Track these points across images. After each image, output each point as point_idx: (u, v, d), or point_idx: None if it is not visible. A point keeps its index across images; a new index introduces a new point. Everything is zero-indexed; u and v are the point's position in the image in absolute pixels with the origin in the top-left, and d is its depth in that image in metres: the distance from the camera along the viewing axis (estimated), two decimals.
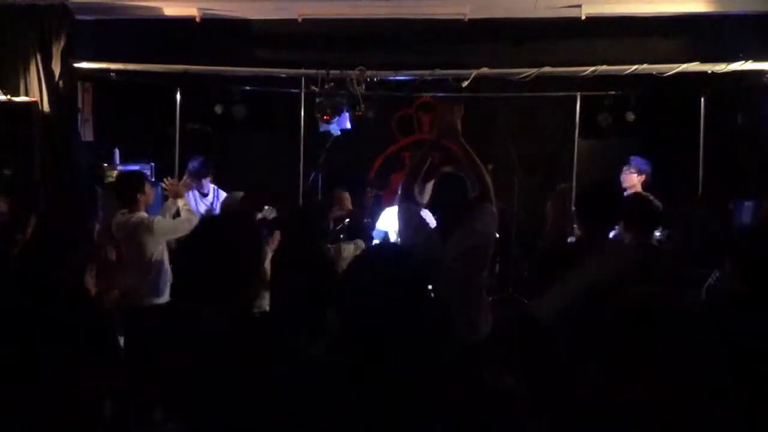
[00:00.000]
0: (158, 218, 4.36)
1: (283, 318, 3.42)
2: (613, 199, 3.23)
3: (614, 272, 2.83)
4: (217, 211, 5.56)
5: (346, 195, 4.47)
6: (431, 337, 1.70)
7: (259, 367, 1.82)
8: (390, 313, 1.65)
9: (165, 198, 4.82)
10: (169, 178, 4.78)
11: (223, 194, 5.78)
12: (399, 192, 3.74)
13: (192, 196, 5.51)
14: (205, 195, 5.70)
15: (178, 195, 4.62)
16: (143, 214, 4.30)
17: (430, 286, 1.98)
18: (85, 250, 2.61)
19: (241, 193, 4.75)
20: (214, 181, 5.83)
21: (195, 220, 4.55)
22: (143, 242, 4.26)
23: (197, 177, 5.58)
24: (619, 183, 5.47)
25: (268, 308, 3.75)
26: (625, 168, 5.56)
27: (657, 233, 4.15)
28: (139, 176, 4.62)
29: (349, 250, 3.54)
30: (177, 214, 4.62)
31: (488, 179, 3.47)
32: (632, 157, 5.67)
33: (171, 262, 4.38)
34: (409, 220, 3.49)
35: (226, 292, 1.95)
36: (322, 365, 1.77)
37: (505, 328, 3.75)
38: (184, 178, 4.83)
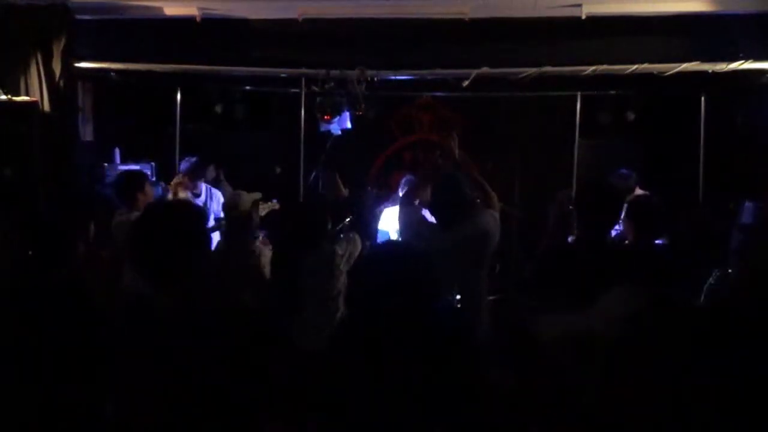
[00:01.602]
0: None
1: (282, 315, 3.42)
2: (612, 199, 3.22)
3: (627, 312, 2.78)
4: (212, 211, 5.58)
5: (335, 176, 4.50)
6: (440, 336, 1.70)
7: (251, 361, 1.82)
8: (399, 310, 1.64)
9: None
10: (179, 176, 4.80)
11: (216, 193, 5.78)
12: (401, 198, 3.80)
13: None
14: (197, 195, 5.70)
15: (180, 189, 4.64)
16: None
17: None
18: (81, 250, 2.61)
19: (243, 193, 4.77)
20: (211, 181, 5.84)
21: None
22: None
23: (190, 178, 5.59)
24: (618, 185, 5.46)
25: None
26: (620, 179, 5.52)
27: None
28: (140, 175, 4.63)
29: (343, 248, 3.54)
30: None
31: (493, 194, 3.55)
32: (619, 174, 5.66)
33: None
34: (410, 217, 3.53)
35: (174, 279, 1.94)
36: (326, 360, 1.77)
37: (504, 329, 3.75)
38: (182, 175, 4.84)
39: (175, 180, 4.72)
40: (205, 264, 2.06)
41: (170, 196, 4.67)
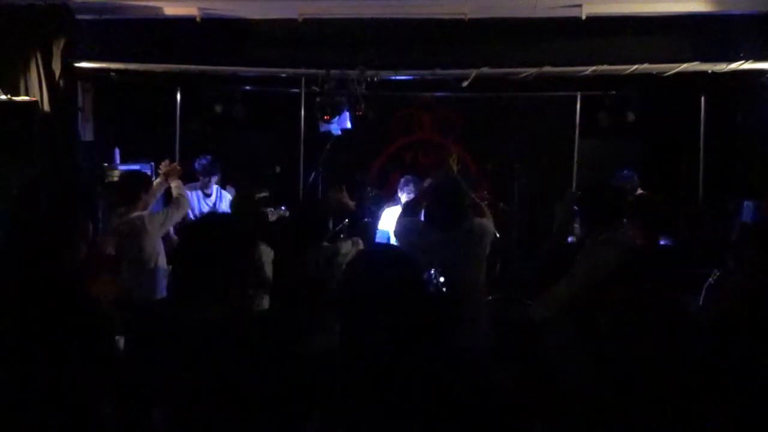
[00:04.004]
0: (148, 214, 4.39)
1: (283, 318, 3.42)
2: (615, 199, 3.23)
3: (606, 265, 2.83)
4: (221, 212, 5.59)
5: (343, 190, 4.50)
6: (432, 337, 1.70)
7: (256, 363, 1.82)
8: (388, 316, 1.63)
9: (164, 195, 4.83)
10: (166, 161, 4.80)
11: (226, 195, 5.80)
12: (403, 206, 3.80)
13: (195, 196, 5.54)
14: (208, 195, 5.73)
15: (169, 176, 4.65)
16: (139, 213, 4.32)
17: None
18: (82, 249, 2.60)
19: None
20: (220, 182, 5.85)
21: (186, 204, 4.61)
22: (140, 241, 4.28)
23: (204, 175, 5.61)
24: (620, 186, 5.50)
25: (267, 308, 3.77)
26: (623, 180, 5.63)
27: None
28: (144, 175, 4.65)
29: (347, 247, 3.54)
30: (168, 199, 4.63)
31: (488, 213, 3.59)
32: (622, 174, 5.73)
33: (169, 259, 4.42)
34: (409, 227, 3.52)
35: (220, 291, 1.95)
36: (323, 365, 1.77)
37: (504, 328, 3.76)
38: (175, 163, 4.87)
39: (165, 164, 4.72)
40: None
41: (158, 180, 4.68)
